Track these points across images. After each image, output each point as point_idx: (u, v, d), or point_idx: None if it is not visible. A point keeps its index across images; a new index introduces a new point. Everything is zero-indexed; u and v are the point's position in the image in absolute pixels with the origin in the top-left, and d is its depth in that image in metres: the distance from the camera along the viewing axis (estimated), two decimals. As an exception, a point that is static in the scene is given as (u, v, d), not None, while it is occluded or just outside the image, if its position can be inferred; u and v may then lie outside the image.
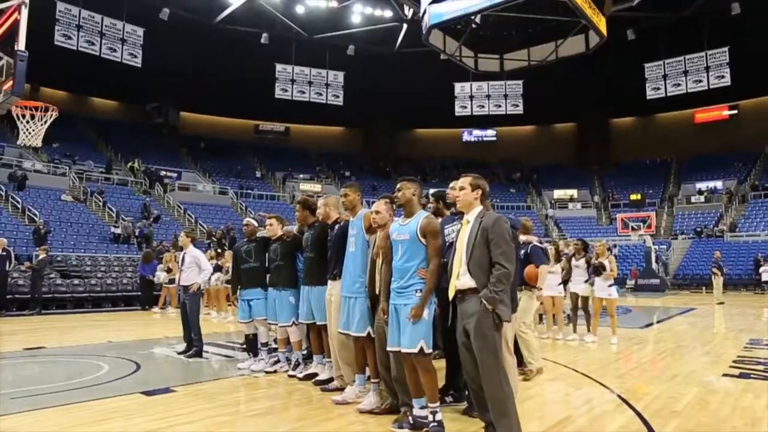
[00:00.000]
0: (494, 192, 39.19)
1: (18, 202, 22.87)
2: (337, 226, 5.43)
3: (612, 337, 8.90)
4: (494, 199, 38.07)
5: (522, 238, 6.54)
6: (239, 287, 6.78)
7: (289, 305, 6.18)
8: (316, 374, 5.87)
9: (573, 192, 39.21)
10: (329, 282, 5.41)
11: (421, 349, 4.05)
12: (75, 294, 16.08)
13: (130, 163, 31.47)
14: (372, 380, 4.86)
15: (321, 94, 37.22)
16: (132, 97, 35.55)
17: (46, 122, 7.03)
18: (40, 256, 15.35)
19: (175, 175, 32.97)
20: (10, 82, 4.89)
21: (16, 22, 4.98)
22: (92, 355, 7.49)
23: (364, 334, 4.76)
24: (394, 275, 4.31)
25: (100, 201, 26.21)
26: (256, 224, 6.95)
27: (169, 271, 14.66)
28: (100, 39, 29.84)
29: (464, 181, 4.17)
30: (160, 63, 30.83)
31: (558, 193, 39.32)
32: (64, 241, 21.31)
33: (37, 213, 22.13)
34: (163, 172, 32.26)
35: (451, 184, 5.12)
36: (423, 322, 4.09)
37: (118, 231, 23.53)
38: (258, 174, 37.67)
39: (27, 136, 6.92)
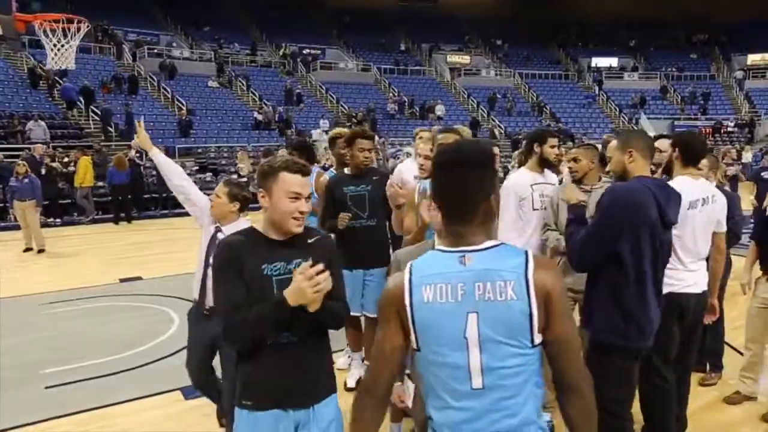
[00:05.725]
0: (670, 59, 33.70)
1: (168, 91, 23.61)
2: None
3: None
4: (669, 67, 32.83)
5: None
6: None
7: None
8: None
9: (775, 56, 32.27)
10: None
11: None
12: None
13: (282, 51, 31.11)
14: None
15: (469, -48, 33.30)
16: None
17: (75, 39, 6.03)
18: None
19: (318, 52, 32.22)
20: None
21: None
22: (175, 298, 7.02)
23: None
24: None
25: (244, 85, 26.40)
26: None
27: None
28: None
29: None
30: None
31: (753, 58, 32.29)
32: (208, 130, 21.82)
33: (184, 102, 22.71)
34: (306, 50, 31.64)
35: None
36: None
37: (260, 117, 23.65)
38: (402, 47, 35.65)
39: (56, 59, 6.02)
